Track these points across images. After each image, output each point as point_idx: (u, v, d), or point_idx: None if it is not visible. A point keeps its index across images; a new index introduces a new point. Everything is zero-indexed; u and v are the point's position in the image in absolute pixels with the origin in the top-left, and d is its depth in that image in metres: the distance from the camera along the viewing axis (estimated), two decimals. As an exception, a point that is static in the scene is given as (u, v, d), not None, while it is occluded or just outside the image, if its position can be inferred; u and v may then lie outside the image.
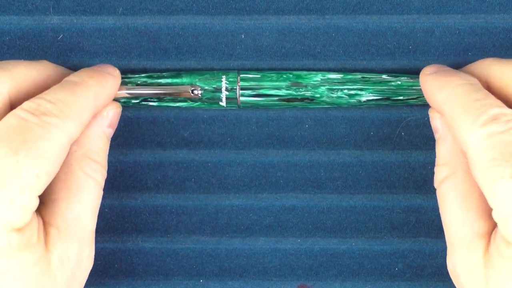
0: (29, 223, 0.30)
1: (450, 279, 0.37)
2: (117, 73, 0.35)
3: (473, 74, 0.34)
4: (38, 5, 0.37)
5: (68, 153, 0.33)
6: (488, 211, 0.32)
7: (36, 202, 0.30)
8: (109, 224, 0.38)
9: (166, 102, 0.36)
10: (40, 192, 0.30)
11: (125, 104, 0.36)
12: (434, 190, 0.37)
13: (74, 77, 0.34)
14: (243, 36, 0.37)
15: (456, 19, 0.37)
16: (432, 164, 0.37)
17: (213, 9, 0.37)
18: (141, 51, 0.37)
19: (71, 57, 0.37)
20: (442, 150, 0.34)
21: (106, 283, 0.38)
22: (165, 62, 0.37)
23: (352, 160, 0.37)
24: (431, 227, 0.37)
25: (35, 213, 0.31)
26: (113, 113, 0.35)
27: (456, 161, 0.33)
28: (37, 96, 0.32)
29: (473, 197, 0.32)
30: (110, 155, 0.37)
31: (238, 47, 0.37)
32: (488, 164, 0.29)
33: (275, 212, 0.38)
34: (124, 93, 0.36)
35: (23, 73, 0.33)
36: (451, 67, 0.37)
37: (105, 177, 0.34)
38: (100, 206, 0.37)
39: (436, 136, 0.35)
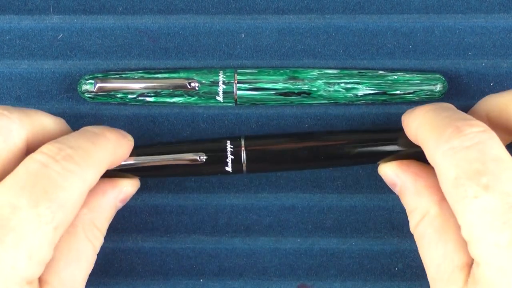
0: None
1: (450, 279, 0.37)
2: (130, 138, 0.34)
3: (475, 112, 0.34)
4: (38, 5, 0.37)
5: (77, 214, 0.32)
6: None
7: (50, 254, 0.30)
8: (109, 224, 0.38)
9: (163, 97, 0.36)
10: (56, 243, 0.30)
11: (122, 100, 0.36)
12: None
13: (93, 128, 0.33)
14: (243, 36, 0.37)
15: (456, 19, 0.37)
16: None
17: (213, 9, 0.37)
18: (141, 50, 0.37)
19: (71, 56, 0.37)
20: (407, 199, 0.33)
21: (106, 283, 0.38)
22: (165, 61, 0.37)
23: (352, 160, 0.37)
24: (431, 227, 0.37)
25: None
26: (130, 190, 0.35)
27: (424, 202, 0.32)
28: (57, 140, 0.31)
29: (451, 230, 0.31)
30: (110, 154, 0.37)
31: (238, 46, 0.37)
32: (453, 183, 0.29)
33: (275, 212, 0.38)
34: (121, 86, 0.36)
35: (42, 122, 0.32)
36: (451, 67, 0.37)
37: (101, 245, 0.34)
38: (100, 206, 0.38)
39: (397, 190, 0.34)
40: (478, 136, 0.29)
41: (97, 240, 0.33)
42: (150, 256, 0.38)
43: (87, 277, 0.33)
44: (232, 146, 0.34)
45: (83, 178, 0.30)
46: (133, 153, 0.34)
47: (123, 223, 0.38)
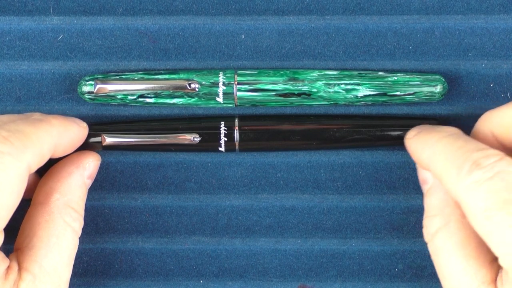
0: None
1: (450, 280, 0.37)
2: (84, 125, 0.35)
3: (480, 132, 0.33)
4: (38, 5, 0.37)
5: (50, 201, 0.33)
6: (489, 258, 0.31)
7: (0, 237, 0.30)
8: (109, 225, 0.38)
9: (163, 98, 0.36)
10: (3, 226, 0.30)
11: (122, 101, 0.36)
12: (434, 190, 0.37)
13: (40, 115, 0.34)
14: (243, 37, 0.37)
15: (456, 19, 0.37)
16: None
17: (213, 10, 0.37)
18: (141, 51, 0.37)
19: (71, 58, 0.37)
20: (433, 201, 0.33)
21: (106, 284, 0.38)
22: (165, 62, 0.37)
23: (352, 161, 0.37)
24: (431, 227, 0.37)
25: (12, 256, 0.31)
26: (93, 165, 0.36)
27: (447, 211, 0.32)
28: None
29: (471, 245, 0.31)
30: (110, 155, 0.37)
31: (238, 47, 0.37)
32: (483, 215, 0.28)
33: (275, 213, 0.38)
34: (121, 87, 0.36)
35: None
36: (451, 68, 0.37)
37: (82, 226, 0.34)
38: (100, 206, 0.37)
39: (425, 187, 0.34)
40: (497, 166, 0.29)
41: (75, 222, 0.34)
42: (150, 257, 0.38)
43: (71, 261, 0.33)
44: (226, 128, 0.36)
45: (19, 158, 0.30)
46: (131, 130, 0.36)
47: (123, 224, 0.38)
